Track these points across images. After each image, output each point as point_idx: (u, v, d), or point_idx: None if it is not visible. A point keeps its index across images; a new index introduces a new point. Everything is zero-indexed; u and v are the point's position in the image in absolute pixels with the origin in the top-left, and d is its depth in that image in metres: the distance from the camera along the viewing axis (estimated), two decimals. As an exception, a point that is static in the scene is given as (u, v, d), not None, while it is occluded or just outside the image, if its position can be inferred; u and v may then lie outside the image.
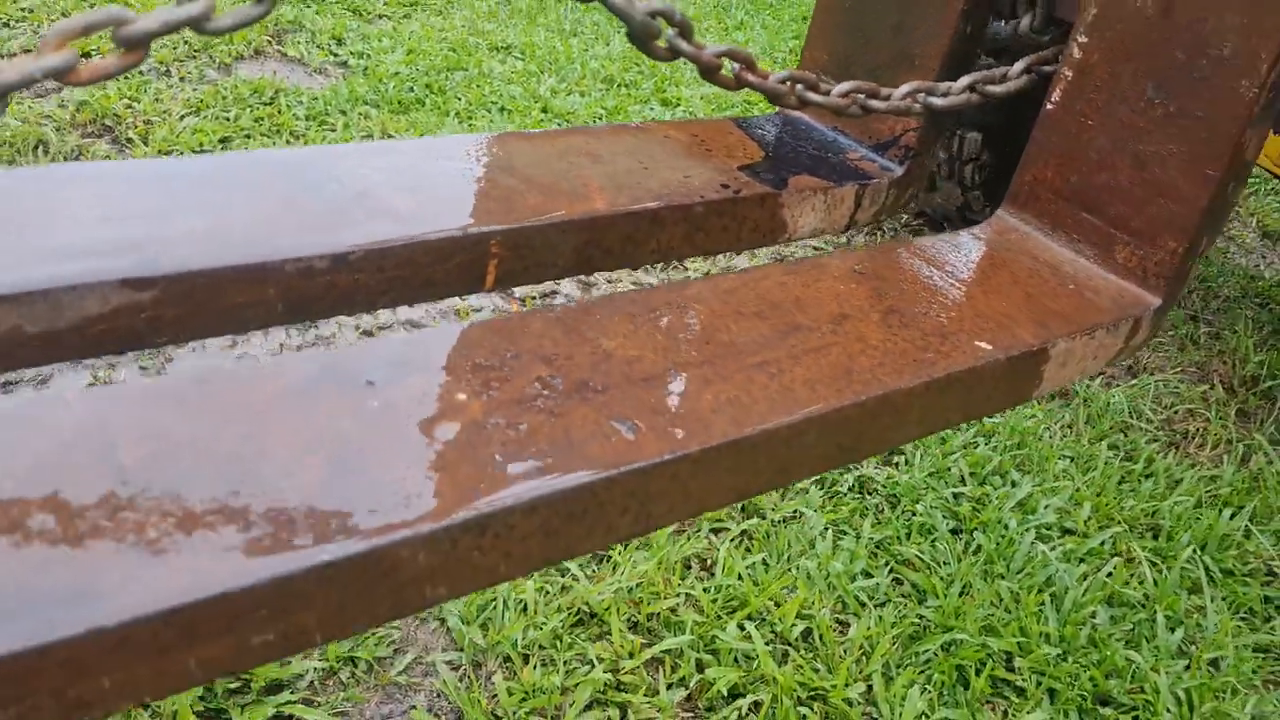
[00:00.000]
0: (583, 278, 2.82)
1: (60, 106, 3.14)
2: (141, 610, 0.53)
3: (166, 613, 0.53)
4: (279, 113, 3.40)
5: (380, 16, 4.51)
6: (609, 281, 2.87)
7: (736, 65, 0.94)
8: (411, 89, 3.75)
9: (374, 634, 1.74)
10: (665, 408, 0.76)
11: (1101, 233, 1.12)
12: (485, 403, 0.72)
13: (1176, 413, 2.86)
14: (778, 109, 1.36)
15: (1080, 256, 1.14)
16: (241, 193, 0.91)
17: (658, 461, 0.72)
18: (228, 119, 3.30)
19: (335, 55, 3.97)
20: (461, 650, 1.75)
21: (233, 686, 1.62)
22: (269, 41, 3.95)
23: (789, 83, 0.99)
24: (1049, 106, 1.14)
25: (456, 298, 0.98)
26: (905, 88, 1.07)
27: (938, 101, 1.09)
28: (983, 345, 0.95)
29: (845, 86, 1.02)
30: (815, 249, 3.28)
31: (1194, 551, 2.27)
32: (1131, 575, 2.19)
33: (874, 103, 1.05)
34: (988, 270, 1.09)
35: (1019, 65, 1.15)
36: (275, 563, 0.57)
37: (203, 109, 3.33)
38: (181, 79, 3.51)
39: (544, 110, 3.85)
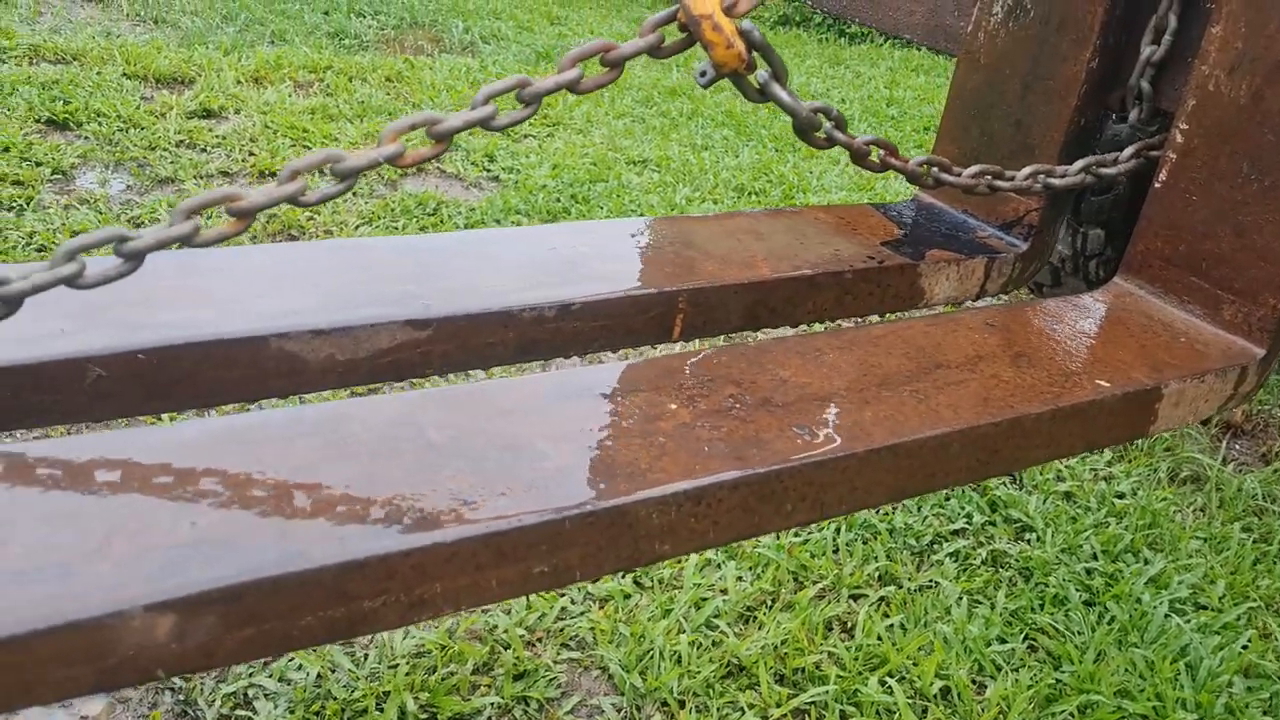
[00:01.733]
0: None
1: (252, 219, 3.53)
2: (467, 534, 0.72)
3: (485, 536, 0.73)
4: (441, 222, 3.74)
5: (527, 136, 4.90)
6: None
7: (882, 152, 1.13)
8: (558, 199, 4.07)
9: (544, 676, 1.92)
10: (834, 419, 0.94)
11: (1208, 293, 1.26)
12: (692, 411, 0.92)
13: (1314, 499, 2.88)
14: (914, 195, 1.56)
15: (1190, 315, 1.28)
16: (482, 259, 1.13)
17: (830, 458, 0.89)
18: (396, 228, 3.65)
19: (489, 171, 4.34)
20: (622, 694, 1.91)
21: (421, 718, 1.81)
22: (430, 160, 4.34)
23: (926, 165, 1.18)
24: (1157, 185, 1.30)
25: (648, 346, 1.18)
26: (1027, 169, 1.25)
27: (1056, 182, 1.26)
28: (1102, 383, 1.10)
29: (974, 169, 1.21)
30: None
31: (1334, 629, 2.30)
32: (1268, 649, 2.22)
33: (1000, 183, 1.23)
34: (1106, 326, 1.24)
35: (1129, 150, 1.32)
36: (552, 511, 0.76)
37: (374, 219, 3.68)
38: (355, 194, 3.89)
39: (680, 217, 4.12)
